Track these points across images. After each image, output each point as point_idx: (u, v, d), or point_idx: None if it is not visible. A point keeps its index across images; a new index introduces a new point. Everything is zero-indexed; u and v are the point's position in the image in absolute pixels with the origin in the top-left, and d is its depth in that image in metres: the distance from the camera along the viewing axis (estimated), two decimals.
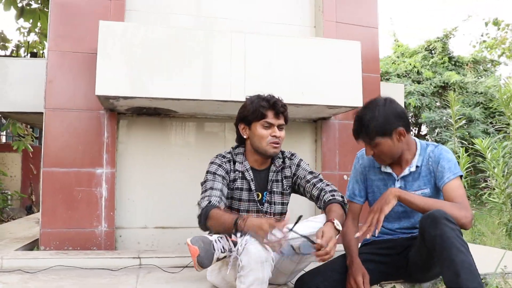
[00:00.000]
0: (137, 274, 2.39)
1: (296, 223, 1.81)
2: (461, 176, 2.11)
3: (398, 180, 2.19)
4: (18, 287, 2.10)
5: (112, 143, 2.88)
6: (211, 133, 3.23)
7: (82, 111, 2.86)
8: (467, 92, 8.94)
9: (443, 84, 9.25)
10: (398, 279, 2.26)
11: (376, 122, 2.03)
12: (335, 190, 2.14)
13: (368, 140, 2.07)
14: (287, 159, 2.26)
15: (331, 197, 2.06)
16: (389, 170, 2.21)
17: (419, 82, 9.44)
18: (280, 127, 2.12)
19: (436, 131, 9.23)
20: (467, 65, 9.86)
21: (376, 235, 1.94)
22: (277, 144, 2.10)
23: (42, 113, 2.87)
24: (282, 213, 2.23)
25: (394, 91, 4.84)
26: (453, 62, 9.84)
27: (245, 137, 2.17)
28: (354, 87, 2.90)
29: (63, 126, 2.82)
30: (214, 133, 3.24)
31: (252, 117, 2.09)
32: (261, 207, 2.16)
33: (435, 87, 9.20)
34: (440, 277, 2.26)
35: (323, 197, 2.09)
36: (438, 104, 9.35)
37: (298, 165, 2.25)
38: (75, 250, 2.76)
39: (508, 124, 4.35)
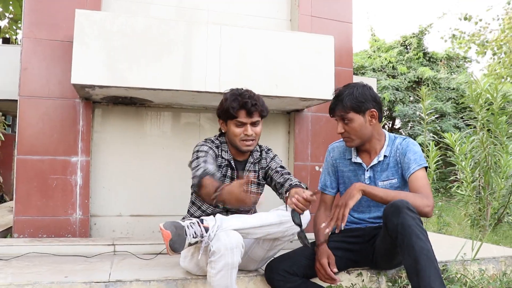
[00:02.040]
0: (112, 261, 2.42)
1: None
2: (426, 168, 2.23)
3: (367, 170, 2.30)
4: None
5: (87, 132, 2.88)
6: (186, 123, 3.27)
7: (57, 99, 2.85)
8: (440, 87, 9.19)
9: (417, 79, 9.48)
10: (364, 266, 2.37)
11: (353, 97, 2.17)
12: (300, 182, 2.21)
13: (343, 113, 2.18)
14: (264, 152, 2.34)
15: (297, 183, 2.13)
16: (359, 160, 2.32)
17: (394, 77, 9.64)
18: (255, 123, 2.15)
19: (409, 125, 9.47)
20: (440, 61, 10.12)
21: (343, 229, 2.01)
22: (251, 141, 2.15)
23: (15, 100, 2.86)
24: (255, 202, 2.30)
25: (370, 84, 4.98)
26: (427, 58, 10.08)
27: (223, 131, 2.24)
28: (326, 80, 2.97)
29: (37, 113, 2.81)
30: (189, 123, 3.27)
31: (225, 116, 2.15)
32: None
33: (409, 82, 9.43)
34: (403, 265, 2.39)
35: (288, 184, 2.14)
36: (411, 98, 9.58)
37: (272, 159, 2.33)
38: (49, 238, 2.77)
39: (476, 119, 4.53)
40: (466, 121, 6.65)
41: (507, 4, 15.32)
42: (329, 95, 2.98)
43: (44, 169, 2.80)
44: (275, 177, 2.24)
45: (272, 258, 2.21)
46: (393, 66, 9.74)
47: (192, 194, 2.33)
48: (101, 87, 2.54)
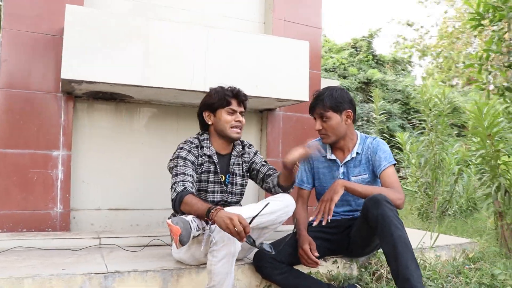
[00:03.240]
0: (101, 254, 2.48)
1: (255, 216, 2.00)
2: (394, 164, 2.50)
3: (341, 166, 2.53)
4: None
5: (68, 126, 2.89)
6: (164, 120, 3.33)
7: (39, 92, 2.83)
8: (387, 89, 9.77)
9: (366, 81, 10.02)
10: (339, 254, 2.60)
11: (332, 98, 2.42)
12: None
13: (322, 112, 2.42)
14: (246, 147, 2.50)
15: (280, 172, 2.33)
16: (333, 157, 2.55)
17: (344, 78, 10.11)
18: (242, 113, 2.37)
19: (357, 124, 10.01)
20: (387, 64, 10.75)
21: (329, 221, 2.22)
22: (240, 129, 2.35)
23: None
24: (242, 194, 2.46)
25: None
26: (375, 61, 10.66)
27: (209, 123, 2.36)
28: (301, 83, 3.17)
29: (17, 106, 2.77)
30: (167, 120, 3.34)
31: (218, 104, 2.31)
32: (225, 188, 2.37)
33: (359, 82, 9.95)
34: (373, 252, 2.65)
35: (273, 174, 2.37)
36: (361, 98, 10.10)
37: (255, 154, 2.52)
38: (32, 232, 2.76)
39: (425, 121, 4.94)
40: (412, 122, 7.17)
41: (444, 13, 16.51)
42: (304, 96, 3.20)
43: (24, 163, 2.77)
44: (262, 170, 2.42)
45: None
46: (344, 68, 10.22)
47: None
48: (88, 82, 2.57)
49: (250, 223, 1.89)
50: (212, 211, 1.89)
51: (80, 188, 3.02)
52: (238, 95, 2.34)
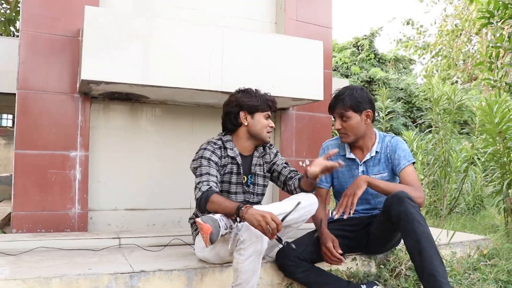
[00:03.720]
0: (122, 253, 2.49)
1: (288, 214, 2.03)
2: (413, 163, 2.52)
3: (361, 165, 2.54)
4: (9, 268, 2.11)
5: (85, 127, 2.90)
6: (180, 120, 3.34)
7: (56, 93, 2.84)
8: (390, 87, 9.80)
9: (369, 79, 10.05)
10: (358, 252, 2.62)
11: (353, 98, 2.42)
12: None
13: (342, 112, 2.42)
14: (267, 147, 2.51)
15: (302, 175, 2.36)
16: (352, 156, 2.56)
17: (347, 76, 10.15)
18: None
19: None
20: (389, 62, 10.78)
21: (352, 215, 2.24)
22: (270, 133, 2.42)
23: (7, 93, 2.82)
24: (263, 194, 2.48)
25: (342, 85, 5.32)
26: (377, 59, 10.70)
27: (244, 123, 2.37)
28: (316, 82, 3.19)
29: (36, 108, 2.78)
30: (182, 120, 3.35)
31: (259, 107, 2.36)
32: (247, 188, 2.39)
33: (361, 81, 9.99)
34: (391, 250, 2.67)
35: (295, 176, 2.40)
36: None
37: (276, 154, 2.54)
38: (52, 232, 2.76)
39: (432, 119, 4.97)
40: (415, 120, 7.20)
41: (443, 11, 16.55)
42: (319, 95, 3.22)
43: (43, 164, 2.78)
44: (284, 172, 2.43)
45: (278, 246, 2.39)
46: (347, 67, 10.25)
47: None
48: (107, 83, 2.58)
49: (282, 220, 1.91)
50: (242, 208, 1.91)
51: (97, 188, 3.03)
52: (274, 103, 2.42)
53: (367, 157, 2.53)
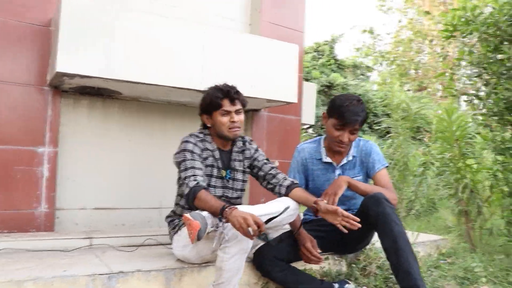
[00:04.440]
0: (95, 254, 2.40)
1: (275, 217, 2.05)
2: (386, 167, 2.61)
3: (337, 168, 2.60)
4: None
5: (55, 121, 2.77)
6: (152, 117, 3.27)
7: (24, 85, 2.69)
8: (348, 93, 10.09)
9: (328, 84, 10.29)
10: (331, 251, 2.68)
11: (365, 115, 2.45)
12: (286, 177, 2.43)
13: (357, 127, 2.43)
14: (247, 143, 2.50)
15: (290, 182, 2.36)
16: (329, 160, 2.61)
17: (307, 80, 10.33)
18: (238, 111, 2.32)
19: (319, 125, 10.26)
20: (348, 68, 11.10)
21: None
22: (237, 128, 2.31)
23: None
24: (242, 190, 2.47)
25: (311, 89, 5.43)
26: (337, 65, 10.98)
27: (209, 125, 2.36)
28: (291, 85, 3.24)
29: (1, 100, 2.63)
30: (155, 117, 3.28)
31: (211, 108, 2.29)
32: (226, 183, 2.38)
33: (321, 86, 10.19)
34: (362, 249, 2.75)
35: (282, 181, 2.37)
36: (323, 101, 10.37)
37: (257, 150, 2.51)
38: (13, 233, 2.61)
39: (391, 126, 5.17)
40: (372, 126, 7.46)
41: (398, 22, 17.28)
42: (293, 98, 3.27)
43: (7, 160, 2.63)
44: (264, 168, 2.43)
45: (257, 246, 2.40)
46: (307, 71, 10.44)
47: (179, 195, 2.39)
48: (83, 76, 2.48)
49: (269, 221, 1.92)
50: (227, 209, 1.90)
51: (65, 186, 2.90)
52: (228, 94, 2.28)
53: (344, 161, 2.59)
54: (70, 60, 2.38)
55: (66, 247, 2.50)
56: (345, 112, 2.37)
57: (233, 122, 2.28)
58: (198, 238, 1.86)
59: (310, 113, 5.68)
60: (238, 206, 1.98)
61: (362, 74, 11.65)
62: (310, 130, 10.03)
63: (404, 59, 15.04)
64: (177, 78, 2.69)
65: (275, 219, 2.01)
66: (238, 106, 2.32)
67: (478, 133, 4.48)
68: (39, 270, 2.00)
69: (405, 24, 16.28)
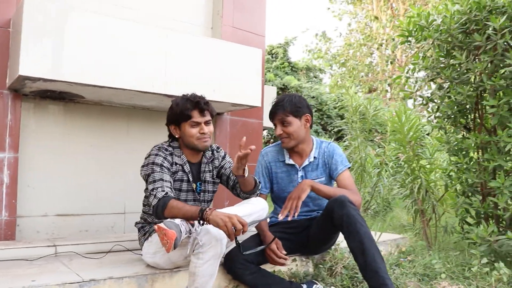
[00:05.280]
0: (61, 262, 2.34)
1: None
2: (349, 168, 2.72)
3: (300, 170, 2.69)
4: None
5: (15, 126, 2.66)
6: (115, 121, 3.21)
7: None
8: (302, 95, 10.31)
9: (283, 87, 10.45)
10: (298, 253, 2.75)
11: (292, 103, 2.56)
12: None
13: (283, 117, 2.54)
14: (215, 151, 2.50)
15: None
16: (292, 162, 2.69)
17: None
18: (207, 122, 2.31)
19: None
20: (301, 71, 11.33)
21: (295, 217, 2.37)
22: (206, 139, 2.30)
23: None
24: (211, 200, 2.50)
25: (272, 92, 5.53)
26: (291, 67, 11.17)
27: (177, 136, 2.32)
28: (255, 89, 3.29)
29: None
30: (118, 122, 3.23)
31: (180, 119, 2.26)
32: (198, 196, 2.39)
33: (276, 88, 10.34)
34: (328, 250, 2.85)
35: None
36: None
37: (224, 157, 2.51)
38: None
39: (354, 127, 5.36)
40: (327, 128, 7.67)
41: (348, 26, 17.86)
42: (257, 101, 3.33)
43: None
44: (231, 176, 2.43)
45: (228, 249, 2.43)
46: None
47: (146, 205, 2.37)
48: (46, 80, 2.41)
49: (249, 224, 1.96)
50: (206, 210, 1.91)
51: (26, 193, 2.80)
52: (198, 105, 2.24)
53: (306, 162, 2.68)
54: (33, 63, 2.31)
55: (29, 256, 2.42)
56: (271, 107, 2.60)
57: (203, 133, 2.27)
58: (175, 247, 1.86)
59: None
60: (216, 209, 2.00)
61: (315, 77, 11.95)
62: (265, 132, 10.14)
63: (355, 62, 15.60)
64: (139, 82, 2.66)
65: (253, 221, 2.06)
66: (208, 117, 2.30)
67: (428, 134, 4.74)
68: (6, 281, 1.93)
69: (355, 28, 16.87)
